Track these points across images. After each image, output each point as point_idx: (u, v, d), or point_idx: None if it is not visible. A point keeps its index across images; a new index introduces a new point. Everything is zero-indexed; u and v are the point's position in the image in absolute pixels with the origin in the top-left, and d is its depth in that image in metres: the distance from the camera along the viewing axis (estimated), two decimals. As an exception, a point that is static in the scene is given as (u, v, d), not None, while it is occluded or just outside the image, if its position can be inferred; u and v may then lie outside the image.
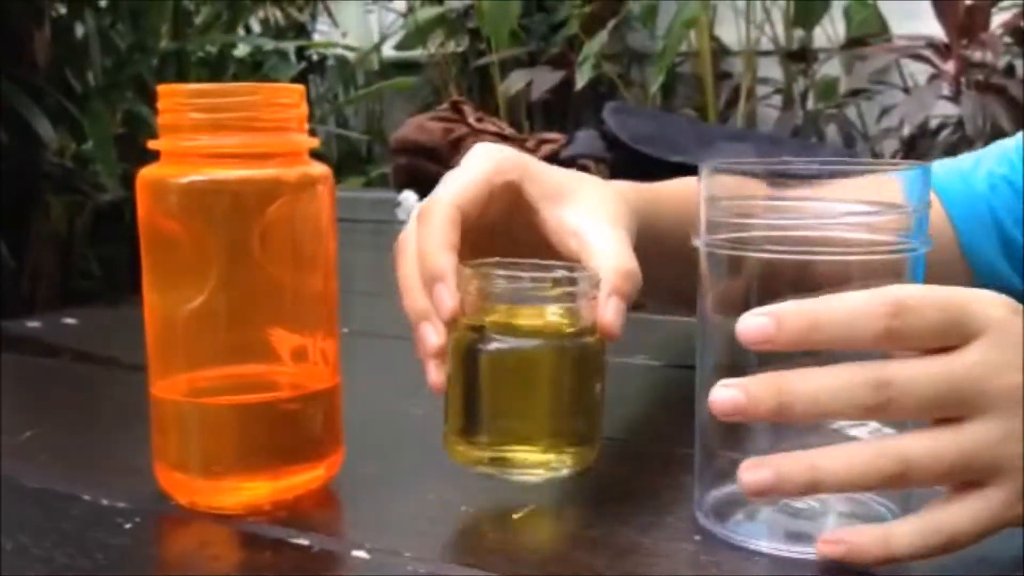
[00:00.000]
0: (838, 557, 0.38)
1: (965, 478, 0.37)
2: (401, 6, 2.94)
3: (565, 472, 0.45)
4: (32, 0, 1.45)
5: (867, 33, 2.50)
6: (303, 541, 0.42)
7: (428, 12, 2.82)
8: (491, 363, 0.44)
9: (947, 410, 0.37)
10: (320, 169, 0.47)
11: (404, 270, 0.47)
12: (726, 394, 0.37)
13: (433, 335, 0.45)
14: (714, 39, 2.63)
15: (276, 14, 2.34)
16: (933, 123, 2.41)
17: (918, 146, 2.40)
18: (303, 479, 0.46)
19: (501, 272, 0.44)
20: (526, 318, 0.44)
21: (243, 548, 0.43)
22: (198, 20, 1.80)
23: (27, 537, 0.42)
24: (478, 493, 0.46)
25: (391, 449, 0.54)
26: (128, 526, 0.44)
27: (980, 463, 0.37)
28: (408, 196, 1.60)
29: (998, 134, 2.25)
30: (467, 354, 0.44)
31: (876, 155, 2.52)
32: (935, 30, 2.35)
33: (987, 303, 0.38)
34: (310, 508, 0.45)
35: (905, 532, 0.37)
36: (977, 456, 0.37)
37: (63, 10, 1.56)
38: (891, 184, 0.42)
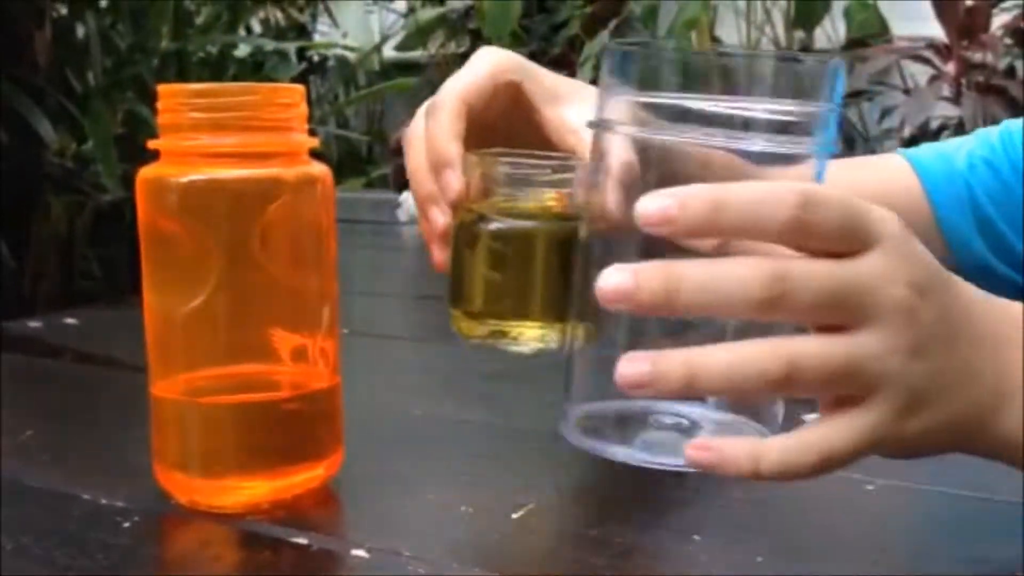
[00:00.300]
0: (706, 464, 0.36)
1: (849, 389, 0.36)
2: (402, 6, 2.94)
3: (555, 345, 0.47)
4: (33, 0, 1.45)
5: (867, 34, 2.50)
6: (302, 540, 0.42)
7: (429, 13, 2.82)
8: (490, 242, 0.46)
9: (838, 313, 0.36)
10: (320, 169, 0.47)
11: (413, 159, 0.51)
12: (614, 278, 0.34)
13: (440, 216, 0.49)
14: (715, 39, 2.63)
15: (277, 14, 2.34)
16: (934, 124, 2.41)
17: (919, 147, 2.40)
18: (303, 478, 0.46)
19: (503, 160, 0.47)
20: (525, 202, 0.47)
21: (243, 547, 0.43)
22: (199, 20, 1.81)
23: (28, 537, 0.43)
24: (477, 493, 0.46)
25: (390, 449, 0.54)
26: (127, 525, 0.44)
27: (866, 373, 0.36)
28: (408, 197, 1.60)
29: (999, 135, 2.26)
30: (469, 234, 0.47)
31: (877, 156, 2.51)
32: (936, 31, 2.35)
33: (884, 215, 0.37)
34: (310, 507, 0.45)
35: (776, 447, 0.36)
36: (864, 365, 0.36)
37: (64, 11, 1.56)
38: (803, 80, 0.40)
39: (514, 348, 0.47)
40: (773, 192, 0.35)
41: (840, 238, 0.35)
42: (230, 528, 0.44)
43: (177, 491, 0.46)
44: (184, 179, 0.44)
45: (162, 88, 0.46)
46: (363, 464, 0.49)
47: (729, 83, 0.39)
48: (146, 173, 0.46)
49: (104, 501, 0.46)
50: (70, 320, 0.86)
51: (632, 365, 0.35)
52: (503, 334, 0.47)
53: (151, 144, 0.46)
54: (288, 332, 0.46)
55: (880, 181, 0.71)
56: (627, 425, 0.42)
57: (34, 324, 0.84)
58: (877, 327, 0.36)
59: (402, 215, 1.58)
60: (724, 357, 0.35)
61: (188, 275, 0.45)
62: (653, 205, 0.34)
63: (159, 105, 0.46)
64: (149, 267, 0.46)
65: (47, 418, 0.60)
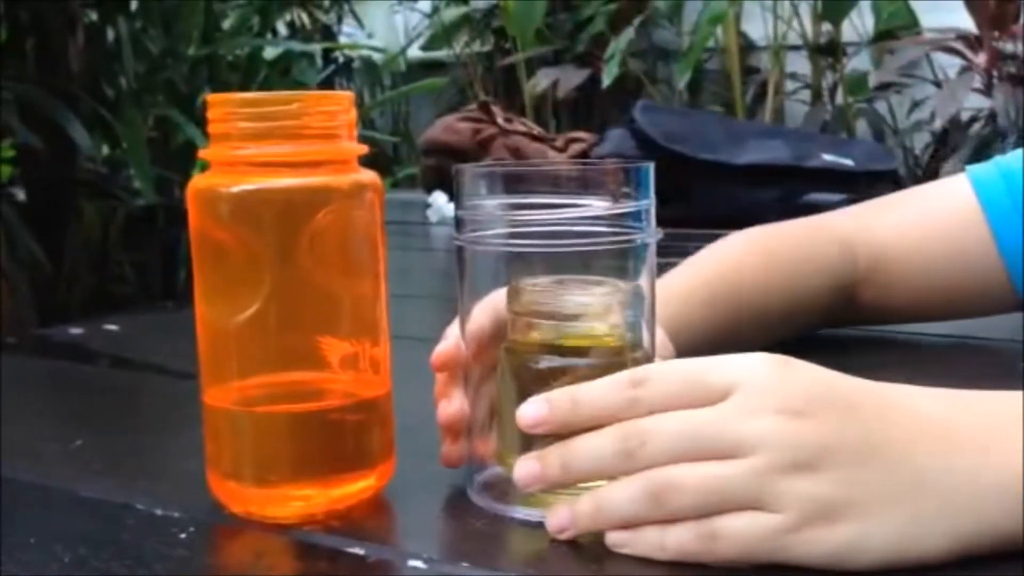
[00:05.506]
0: (620, 543, 0.40)
1: (726, 507, 0.39)
2: (426, 6, 2.94)
3: None
4: (65, 7, 1.46)
5: (896, 26, 2.48)
6: (358, 551, 0.42)
7: (453, 12, 2.82)
8: (542, 381, 0.44)
9: (701, 453, 0.39)
10: (369, 176, 0.47)
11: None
12: (526, 467, 0.42)
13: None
14: (741, 34, 2.61)
15: (303, 17, 2.34)
16: (964, 116, 2.38)
17: (950, 139, 2.38)
18: (356, 488, 0.46)
19: (550, 292, 0.45)
20: (575, 336, 0.45)
21: (299, 558, 0.43)
22: (226, 24, 1.81)
23: (85, 548, 0.43)
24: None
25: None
26: (184, 536, 0.44)
27: (737, 493, 0.38)
28: (438, 197, 1.60)
29: (1032, 127, 2.23)
30: (518, 373, 0.45)
31: (907, 149, 2.49)
32: (965, 22, 2.32)
33: (737, 365, 0.40)
34: (364, 517, 0.45)
35: (677, 533, 0.39)
36: (731, 485, 0.38)
37: (94, 16, 1.57)
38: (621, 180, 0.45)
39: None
40: (613, 381, 0.41)
41: (681, 401, 0.40)
42: (286, 539, 0.44)
43: (231, 501, 0.46)
44: (235, 189, 0.44)
45: (211, 98, 0.46)
46: (415, 472, 0.49)
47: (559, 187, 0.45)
48: (197, 183, 0.46)
49: (159, 511, 0.46)
50: (110, 326, 0.86)
51: (554, 519, 0.42)
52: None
53: (201, 154, 0.46)
54: (338, 340, 0.46)
55: (936, 219, 0.69)
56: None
57: (75, 331, 0.84)
58: (746, 456, 0.38)
59: (433, 216, 1.58)
60: (612, 491, 0.40)
61: (240, 284, 0.45)
62: (531, 411, 0.42)
63: (208, 115, 0.46)
64: (201, 276, 0.46)
65: (96, 426, 0.60)
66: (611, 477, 0.41)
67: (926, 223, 0.70)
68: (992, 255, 0.67)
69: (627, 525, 0.40)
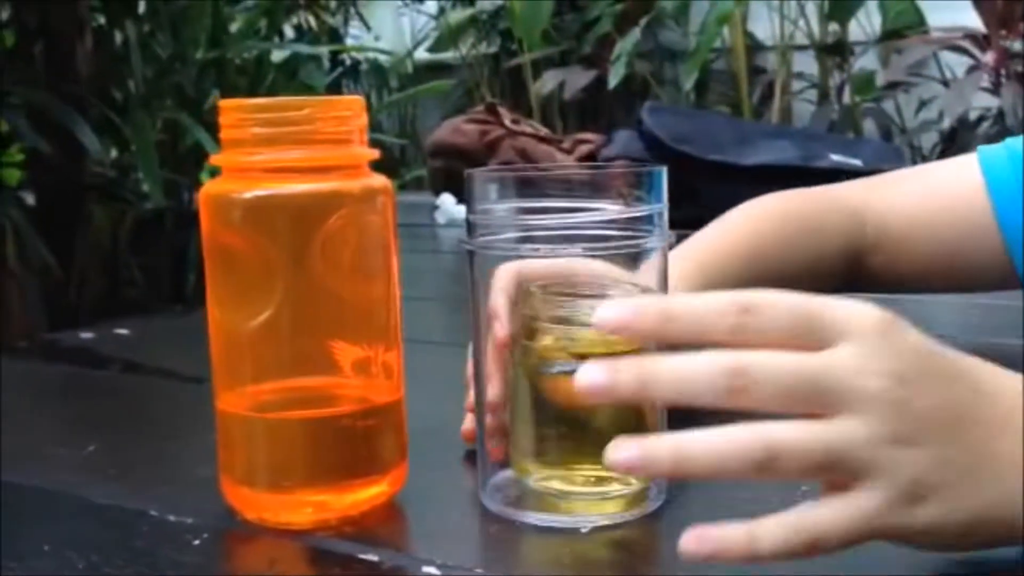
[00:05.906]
0: (705, 555, 0.35)
1: (834, 475, 0.37)
2: (432, 8, 2.95)
3: (635, 488, 0.45)
4: (73, 11, 1.46)
5: (903, 25, 2.47)
6: (372, 557, 0.42)
7: (459, 14, 2.82)
8: (554, 385, 0.44)
9: (807, 404, 0.36)
10: (381, 180, 0.47)
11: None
12: (592, 374, 0.36)
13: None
14: (747, 35, 2.61)
15: (309, 19, 2.34)
16: (972, 115, 2.38)
17: (958, 138, 2.37)
18: (369, 493, 0.46)
19: (562, 297, 0.45)
20: (588, 341, 0.44)
21: (312, 564, 0.42)
22: (234, 27, 1.81)
23: (98, 555, 0.43)
24: (545, 506, 0.46)
25: (454, 462, 0.53)
26: (197, 542, 0.44)
27: (848, 461, 0.36)
28: (446, 199, 1.60)
29: (1041, 126, 2.22)
30: (531, 378, 0.45)
31: (915, 149, 2.49)
32: (973, 21, 2.32)
33: (850, 311, 0.37)
34: (377, 523, 0.45)
35: (769, 531, 0.36)
36: (845, 453, 0.36)
37: (102, 20, 1.57)
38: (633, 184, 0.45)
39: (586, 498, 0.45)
40: (717, 302, 0.37)
41: (787, 337, 0.36)
42: (299, 545, 0.43)
43: (245, 507, 0.46)
44: (247, 195, 0.44)
45: (223, 103, 0.46)
46: (428, 478, 0.49)
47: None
48: (209, 189, 0.46)
49: (172, 517, 0.46)
50: (121, 330, 0.86)
51: (621, 452, 0.36)
52: (572, 479, 0.45)
53: (213, 160, 0.46)
54: (351, 345, 0.46)
55: (939, 195, 0.70)
56: (528, 493, 0.46)
57: (85, 335, 0.84)
58: (855, 417, 0.36)
59: (441, 217, 1.58)
60: (708, 443, 0.35)
61: (252, 289, 0.45)
62: (611, 312, 0.36)
63: (220, 121, 0.46)
64: (213, 282, 0.46)
65: (107, 432, 0.60)
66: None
67: (932, 197, 0.70)
68: (992, 231, 0.67)
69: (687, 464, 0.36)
